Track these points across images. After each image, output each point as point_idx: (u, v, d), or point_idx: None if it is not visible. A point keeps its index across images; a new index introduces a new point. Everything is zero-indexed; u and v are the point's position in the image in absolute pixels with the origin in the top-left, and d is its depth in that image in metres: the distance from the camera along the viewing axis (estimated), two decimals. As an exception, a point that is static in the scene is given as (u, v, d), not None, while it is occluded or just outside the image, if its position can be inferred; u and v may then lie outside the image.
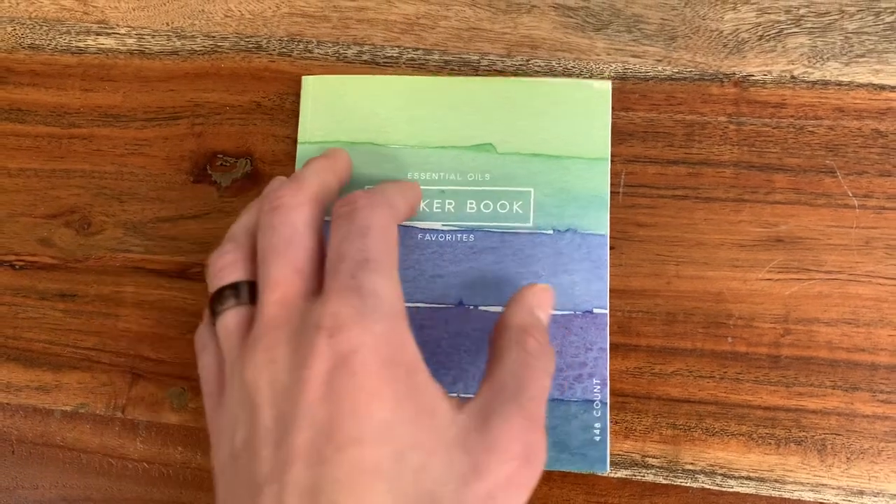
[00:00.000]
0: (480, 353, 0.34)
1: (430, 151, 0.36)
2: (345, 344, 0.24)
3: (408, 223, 0.35)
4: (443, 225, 0.35)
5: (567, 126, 0.36)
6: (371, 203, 0.28)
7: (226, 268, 0.29)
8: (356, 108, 0.37)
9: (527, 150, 0.36)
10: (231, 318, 0.28)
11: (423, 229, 0.35)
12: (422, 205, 0.35)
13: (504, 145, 0.36)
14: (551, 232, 0.35)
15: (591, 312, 0.34)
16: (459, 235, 0.35)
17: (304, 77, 0.37)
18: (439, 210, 0.36)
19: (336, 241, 0.27)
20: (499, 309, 0.34)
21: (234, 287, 0.28)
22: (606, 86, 0.36)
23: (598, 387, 0.34)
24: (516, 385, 0.26)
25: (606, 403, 0.33)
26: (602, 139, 0.35)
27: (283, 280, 0.27)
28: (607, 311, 0.34)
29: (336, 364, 0.24)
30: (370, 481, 0.23)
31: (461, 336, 0.34)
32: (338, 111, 0.37)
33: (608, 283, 0.34)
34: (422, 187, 0.35)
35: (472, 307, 0.35)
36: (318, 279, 0.27)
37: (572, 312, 0.34)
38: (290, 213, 0.28)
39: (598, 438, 0.33)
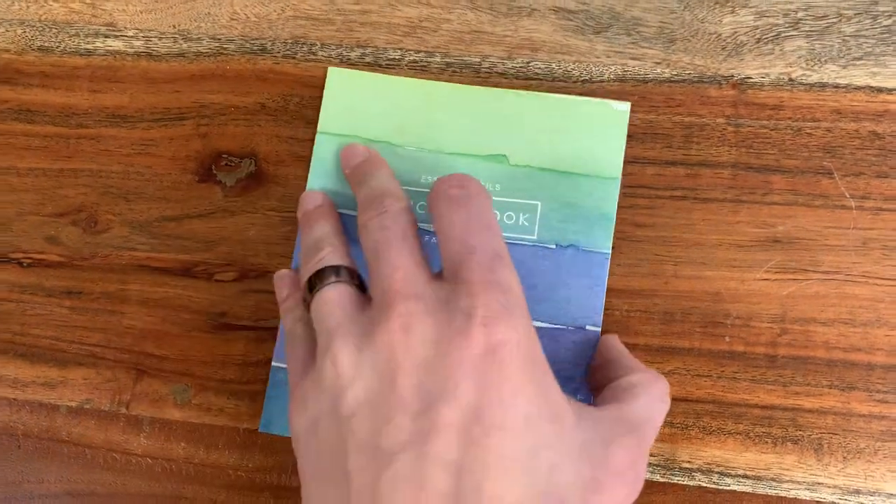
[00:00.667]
0: None
1: (445, 157, 0.37)
2: (498, 335, 0.25)
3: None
4: None
5: (582, 144, 0.36)
6: (483, 192, 0.30)
7: (325, 256, 0.31)
8: (377, 106, 0.37)
9: (538, 163, 0.36)
10: (332, 291, 0.29)
11: (432, 232, 0.36)
12: None
13: (516, 157, 0.36)
14: (553, 246, 0.35)
15: (583, 329, 0.34)
16: None
17: (329, 68, 0.38)
18: None
19: (458, 230, 0.28)
20: None
21: (335, 268, 0.30)
22: (626, 107, 0.36)
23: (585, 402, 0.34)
24: (644, 421, 0.28)
25: None
26: (615, 159, 0.36)
27: (405, 264, 0.28)
28: (599, 329, 0.34)
29: (487, 352, 0.25)
30: (514, 470, 0.24)
31: None
32: (359, 106, 0.37)
33: (603, 301, 0.35)
34: None
35: None
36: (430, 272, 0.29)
37: (565, 327, 0.34)
38: (400, 216, 0.30)
39: None
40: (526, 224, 0.36)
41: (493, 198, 0.36)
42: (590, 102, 0.36)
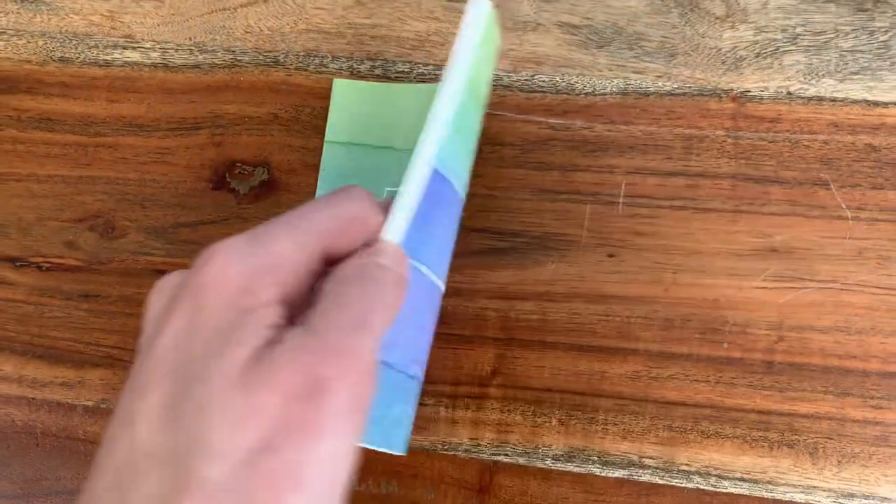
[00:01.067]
0: None
1: None
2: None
3: None
4: None
5: None
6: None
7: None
8: (381, 114, 0.38)
9: None
10: None
11: None
12: None
13: None
14: None
15: None
16: None
17: (334, 80, 0.39)
18: None
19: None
20: None
21: None
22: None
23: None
24: None
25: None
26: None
27: None
28: None
29: None
30: None
31: None
32: (364, 115, 0.38)
33: None
34: None
35: None
36: None
37: None
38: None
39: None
40: None
41: None
42: None
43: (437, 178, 0.29)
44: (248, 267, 0.23)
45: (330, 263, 0.25)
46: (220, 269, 0.23)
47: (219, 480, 0.20)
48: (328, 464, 0.21)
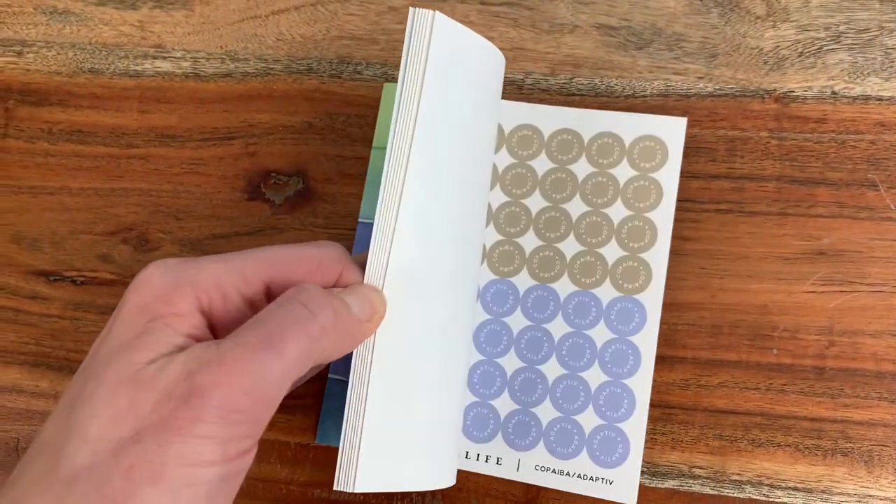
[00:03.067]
0: None
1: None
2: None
3: None
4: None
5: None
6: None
7: None
8: None
9: None
10: None
11: None
12: None
13: None
14: None
15: None
16: None
17: (385, 84, 0.38)
18: None
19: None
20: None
21: None
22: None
23: None
24: None
25: None
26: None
27: None
28: None
29: None
30: None
31: None
32: None
33: None
34: None
35: None
36: None
37: None
38: None
39: None
40: None
41: None
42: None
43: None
44: (170, 279, 0.24)
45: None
46: (144, 279, 0.24)
47: (84, 465, 0.21)
48: (190, 464, 0.22)
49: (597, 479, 0.34)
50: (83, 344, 0.38)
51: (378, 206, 0.27)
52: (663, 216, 0.35)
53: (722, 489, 0.34)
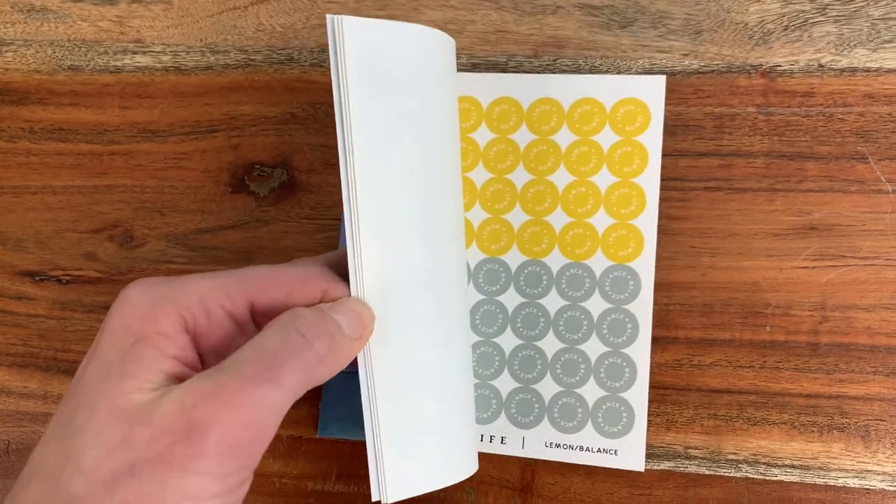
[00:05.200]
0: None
1: None
2: None
3: None
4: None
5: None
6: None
7: None
8: None
9: None
10: None
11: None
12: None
13: None
14: None
15: None
16: None
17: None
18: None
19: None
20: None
21: None
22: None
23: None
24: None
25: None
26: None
27: None
28: None
29: None
30: None
31: None
32: None
33: None
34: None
35: None
36: None
37: None
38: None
39: None
40: None
41: None
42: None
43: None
44: (153, 297, 0.24)
45: (271, 315, 0.25)
46: (127, 298, 0.24)
47: (79, 496, 0.21)
48: (188, 499, 0.21)
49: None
50: (71, 343, 0.38)
51: (344, 216, 0.27)
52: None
53: (718, 469, 0.34)
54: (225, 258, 0.38)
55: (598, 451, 0.34)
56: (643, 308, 0.34)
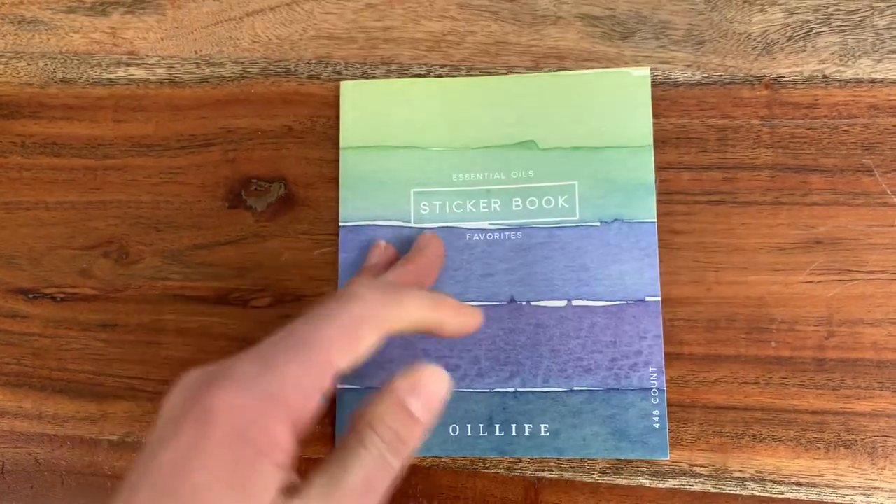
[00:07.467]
0: (536, 347, 0.34)
1: (473, 152, 0.36)
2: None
3: (454, 224, 0.36)
4: (490, 224, 0.36)
5: (607, 116, 0.36)
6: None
7: None
8: (394, 113, 0.37)
9: (568, 143, 0.36)
10: None
11: (472, 229, 0.36)
12: (468, 205, 0.36)
13: (546, 141, 0.36)
14: (598, 223, 0.35)
15: (643, 301, 0.34)
16: (507, 234, 0.35)
17: (342, 83, 0.37)
18: (486, 209, 0.36)
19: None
20: (550, 304, 0.35)
21: None
22: (645, 72, 0.36)
23: (655, 374, 0.34)
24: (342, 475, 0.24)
25: (664, 391, 0.33)
26: (644, 126, 0.36)
27: None
28: (659, 299, 0.34)
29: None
30: None
31: (515, 332, 0.35)
32: (376, 116, 0.37)
33: (658, 270, 0.34)
34: (467, 188, 0.36)
35: (524, 303, 0.35)
36: None
37: (624, 302, 0.34)
38: None
39: (657, 426, 0.33)
40: (566, 206, 0.35)
41: (529, 185, 0.36)
42: (608, 73, 0.36)
43: None
44: (257, 395, 0.23)
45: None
46: (228, 395, 0.23)
47: None
48: None
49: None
50: (66, 362, 0.37)
51: None
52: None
53: (724, 487, 0.33)
54: (223, 274, 0.37)
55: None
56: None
